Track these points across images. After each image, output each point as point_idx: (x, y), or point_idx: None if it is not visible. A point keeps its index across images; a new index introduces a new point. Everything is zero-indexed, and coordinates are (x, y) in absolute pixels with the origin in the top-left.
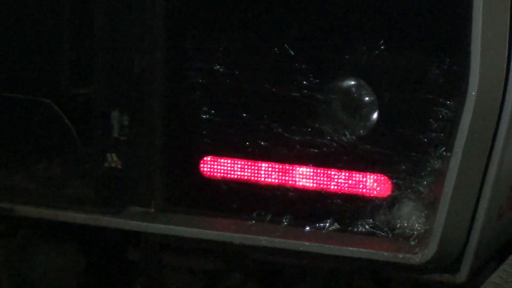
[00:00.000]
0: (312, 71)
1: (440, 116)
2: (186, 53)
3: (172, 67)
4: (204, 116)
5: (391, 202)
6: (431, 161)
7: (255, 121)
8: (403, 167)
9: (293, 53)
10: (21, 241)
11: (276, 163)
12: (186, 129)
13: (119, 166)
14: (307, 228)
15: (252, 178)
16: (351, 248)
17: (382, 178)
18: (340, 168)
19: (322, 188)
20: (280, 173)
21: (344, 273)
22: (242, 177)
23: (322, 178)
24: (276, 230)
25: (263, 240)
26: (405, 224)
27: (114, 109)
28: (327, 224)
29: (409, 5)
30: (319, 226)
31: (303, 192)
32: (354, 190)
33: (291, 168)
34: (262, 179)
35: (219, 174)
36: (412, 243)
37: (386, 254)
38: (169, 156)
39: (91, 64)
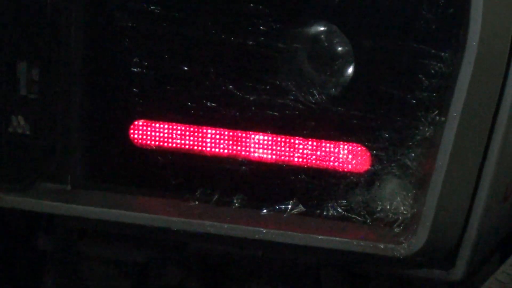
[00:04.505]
0: (271, 13)
1: (433, 71)
2: None
3: (95, 6)
4: (135, 69)
5: (370, 179)
6: (421, 127)
7: (200, 76)
8: (386, 135)
9: None
10: None
11: (226, 129)
12: (112, 85)
13: (27, 132)
14: (264, 210)
15: (196, 147)
16: (319, 237)
17: (359, 149)
18: (306, 136)
19: (283, 161)
20: (231, 142)
21: (310, 268)
22: (183, 146)
23: (283, 149)
24: (225, 213)
25: (209, 226)
26: (388, 207)
27: (20, 60)
28: (290, 206)
29: None
30: (279, 208)
31: (259, 166)
32: (323, 164)
33: (244, 135)
34: (208, 149)
35: (153, 142)
36: (396, 230)
37: (363, 244)
38: (91, 120)
39: None
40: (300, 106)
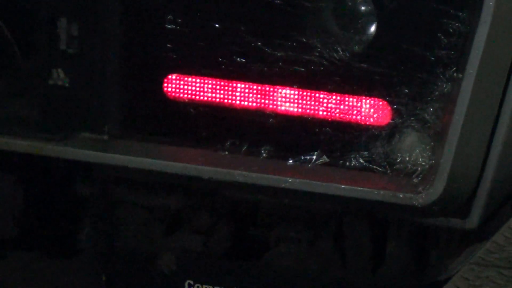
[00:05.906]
0: None
1: (451, 30)
2: None
3: None
4: (169, 26)
5: (391, 132)
6: (439, 83)
7: (230, 33)
8: (406, 90)
9: None
10: None
11: (255, 84)
12: (147, 41)
13: (67, 84)
14: (290, 161)
15: (226, 101)
16: (342, 186)
17: (380, 103)
18: (330, 90)
19: (308, 114)
20: (259, 96)
21: (333, 215)
22: (214, 99)
23: (308, 102)
24: (253, 163)
25: (238, 175)
26: (407, 158)
27: (61, 16)
28: (314, 157)
29: None
30: (304, 159)
31: (286, 119)
32: (346, 117)
33: (272, 89)
34: (238, 102)
35: (186, 95)
36: (415, 180)
37: (383, 193)
38: (127, 73)
39: None
40: (325, 62)
